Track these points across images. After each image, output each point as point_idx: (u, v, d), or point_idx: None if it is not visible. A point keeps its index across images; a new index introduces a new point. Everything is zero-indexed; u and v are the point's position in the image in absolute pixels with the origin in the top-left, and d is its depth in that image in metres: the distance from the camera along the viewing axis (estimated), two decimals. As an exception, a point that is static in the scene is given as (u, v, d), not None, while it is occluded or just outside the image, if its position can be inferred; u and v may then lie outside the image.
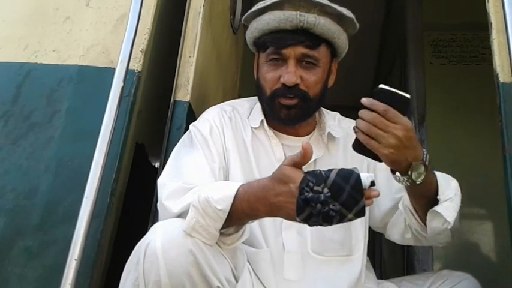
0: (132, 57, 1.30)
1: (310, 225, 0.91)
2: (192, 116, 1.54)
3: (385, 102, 0.96)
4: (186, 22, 1.61)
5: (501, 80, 1.21)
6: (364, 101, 0.97)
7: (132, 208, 1.46)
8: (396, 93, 0.97)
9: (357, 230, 1.25)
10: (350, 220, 0.89)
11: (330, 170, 0.90)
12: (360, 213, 0.89)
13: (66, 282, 1.06)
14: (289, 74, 1.19)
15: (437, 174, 1.12)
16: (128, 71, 1.27)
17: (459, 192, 1.14)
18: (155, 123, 1.61)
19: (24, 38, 1.45)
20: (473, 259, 2.47)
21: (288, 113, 1.22)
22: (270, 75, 1.23)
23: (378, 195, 0.91)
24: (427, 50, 2.84)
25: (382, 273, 3.10)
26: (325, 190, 0.87)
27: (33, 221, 1.22)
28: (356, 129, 0.99)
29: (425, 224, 1.15)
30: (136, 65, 1.37)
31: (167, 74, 1.59)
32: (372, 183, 0.89)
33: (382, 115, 0.96)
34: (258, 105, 1.32)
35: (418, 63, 2.78)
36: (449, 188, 1.12)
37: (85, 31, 1.44)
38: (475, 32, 2.78)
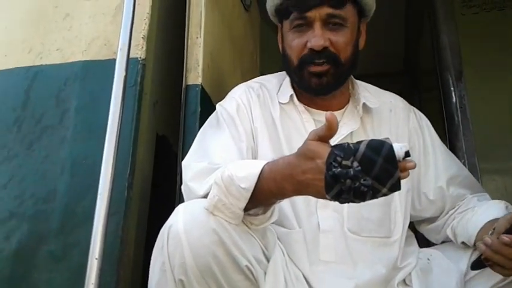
0: (133, 44, 1.25)
1: (341, 202, 0.83)
2: (206, 99, 1.48)
3: None
4: (189, 2, 1.55)
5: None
6: (506, 240, 0.94)
7: (161, 201, 1.42)
8: None
9: (396, 212, 1.17)
10: (385, 195, 0.81)
11: (359, 142, 0.82)
12: (395, 187, 0.80)
13: (89, 282, 1.02)
14: (316, 38, 1.12)
15: None
16: (130, 60, 1.22)
17: None
18: (175, 112, 1.56)
19: (28, 41, 1.44)
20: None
21: (320, 82, 1.14)
22: (296, 42, 1.16)
23: (414, 167, 0.82)
24: (456, 0, 2.65)
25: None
26: (355, 164, 0.79)
27: (54, 224, 1.21)
28: (484, 254, 0.99)
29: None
30: (139, 52, 1.33)
31: (179, 60, 1.53)
32: (407, 154, 0.80)
33: None
34: (287, 80, 1.25)
35: (449, 16, 2.60)
36: None
37: (85, 25, 1.41)
38: (506, -26, 2.57)
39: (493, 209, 1.12)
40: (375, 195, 0.80)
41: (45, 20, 1.45)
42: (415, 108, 1.34)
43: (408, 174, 0.82)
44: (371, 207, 1.12)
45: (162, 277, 0.92)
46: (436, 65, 2.56)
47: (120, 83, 1.18)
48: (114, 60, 1.25)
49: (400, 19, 3.45)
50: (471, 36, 2.52)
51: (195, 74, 1.46)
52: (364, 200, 0.81)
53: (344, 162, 0.80)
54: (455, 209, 1.23)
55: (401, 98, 1.34)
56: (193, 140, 1.18)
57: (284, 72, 1.26)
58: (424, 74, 3.27)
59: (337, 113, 1.18)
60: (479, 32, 2.53)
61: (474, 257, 1.09)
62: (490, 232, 0.99)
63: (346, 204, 1.11)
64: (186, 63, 1.49)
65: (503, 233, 0.93)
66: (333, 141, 0.86)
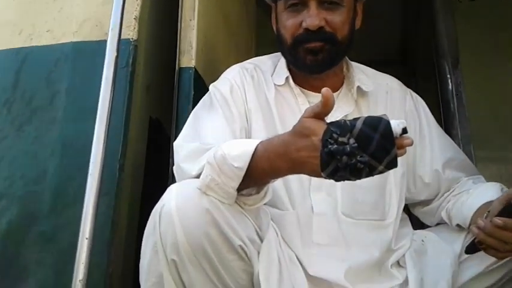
0: (125, 25, 1.24)
1: (337, 180, 0.81)
2: (200, 82, 1.47)
3: None
4: (183, -17, 1.53)
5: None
6: (498, 222, 0.92)
7: (155, 184, 1.42)
8: None
9: (391, 195, 1.16)
10: (381, 172, 0.79)
11: (356, 119, 0.80)
12: (392, 164, 0.78)
13: (79, 262, 1.01)
14: (312, 17, 1.09)
15: None
16: (122, 41, 1.21)
17: None
18: (169, 95, 1.55)
19: (18, 22, 1.42)
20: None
21: (315, 59, 1.12)
22: (291, 22, 1.13)
23: (411, 144, 0.80)
24: (453, -12, 2.63)
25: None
26: (352, 141, 0.77)
27: (44, 205, 1.20)
28: (478, 237, 0.97)
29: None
30: (131, 33, 1.31)
31: (173, 42, 1.52)
32: (404, 131, 0.79)
33: None
34: (283, 61, 1.23)
35: (446, 3, 2.59)
36: None
37: (76, 6, 1.39)
38: (504, -40, 2.54)
39: (488, 191, 1.12)
40: (371, 172, 0.79)
41: (36, 1, 1.44)
42: (411, 91, 1.32)
43: (405, 152, 0.81)
44: (365, 190, 1.12)
45: (154, 257, 0.91)
46: (433, 53, 2.55)
47: (111, 64, 1.16)
48: (106, 41, 1.24)
49: (397, 7, 3.43)
50: (468, 24, 2.50)
51: (188, 57, 1.45)
52: (360, 178, 0.80)
53: (340, 139, 0.78)
54: (450, 191, 1.22)
55: (398, 81, 1.33)
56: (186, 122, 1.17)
57: (279, 54, 1.24)
58: (421, 62, 3.26)
59: None
60: (476, 19, 2.52)
61: (469, 240, 1.08)
62: (485, 215, 0.98)
63: (339, 188, 1.11)
64: (179, 46, 1.47)
65: (497, 215, 0.92)
66: None
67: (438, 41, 2.51)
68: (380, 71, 1.34)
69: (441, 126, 1.87)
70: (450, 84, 2.37)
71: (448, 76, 2.40)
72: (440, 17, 2.55)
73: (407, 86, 1.34)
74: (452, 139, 2.19)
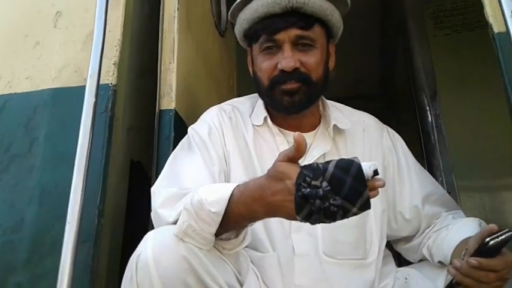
0: (104, 70, 1.25)
1: (312, 223, 0.82)
2: (180, 123, 1.47)
3: (494, 253, 0.91)
4: (162, 29, 1.56)
5: (495, 30, 1.10)
6: (474, 263, 0.91)
7: (137, 229, 1.39)
8: (505, 240, 0.89)
9: (372, 233, 1.16)
10: (355, 214, 0.80)
11: (328, 162, 0.81)
12: (365, 206, 0.80)
13: (57, 314, 0.99)
14: (287, 59, 1.12)
15: None
16: (101, 86, 1.22)
17: None
18: (150, 138, 1.55)
19: (-3, 69, 1.42)
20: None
21: (292, 100, 1.14)
22: (266, 64, 1.16)
23: (383, 185, 0.82)
24: (428, 22, 2.71)
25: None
26: (324, 184, 0.79)
27: (21, 255, 1.17)
28: (455, 278, 0.95)
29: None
30: (110, 78, 1.32)
31: (153, 85, 1.53)
32: (375, 172, 0.80)
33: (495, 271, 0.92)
34: (260, 102, 1.25)
35: (421, 37, 2.67)
36: None
37: (55, 53, 1.40)
38: (475, -4, 2.64)
39: (466, 227, 1.12)
40: (345, 214, 0.80)
41: (15, 48, 1.44)
42: (388, 127, 1.34)
43: (377, 193, 0.82)
44: (346, 229, 1.11)
45: None
46: (411, 86, 2.60)
47: (89, 109, 1.17)
48: (85, 87, 1.25)
49: (375, 43, 3.53)
50: (444, 57, 2.57)
51: (168, 99, 1.46)
52: (334, 220, 0.80)
53: (313, 183, 0.79)
54: (430, 227, 1.22)
55: (375, 118, 1.35)
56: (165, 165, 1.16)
57: (257, 95, 1.26)
58: (400, 95, 3.32)
59: (309, 135, 1.18)
60: (452, 52, 2.59)
61: (449, 279, 1.08)
62: (463, 253, 0.98)
63: (320, 228, 1.11)
64: (160, 89, 1.48)
65: (473, 255, 0.92)
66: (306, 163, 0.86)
67: (415, 74, 2.57)
68: (360, 105, 1.36)
69: (422, 158, 1.90)
70: (429, 116, 2.41)
71: (427, 108, 2.45)
72: (417, 51, 2.63)
73: (388, 119, 1.37)
74: (434, 170, 2.24)
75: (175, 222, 0.92)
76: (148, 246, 0.88)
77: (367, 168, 0.80)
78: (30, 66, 1.40)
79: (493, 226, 0.90)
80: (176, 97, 1.47)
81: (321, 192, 0.78)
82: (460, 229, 1.12)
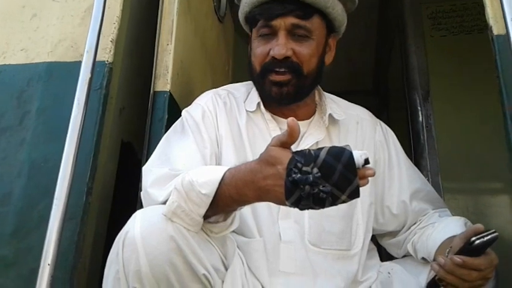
0: (100, 47, 1.24)
1: (301, 208, 0.82)
2: (174, 106, 1.47)
3: (478, 252, 0.91)
4: (161, 9, 1.55)
5: (495, 32, 1.10)
6: (458, 261, 0.91)
7: (124, 209, 1.39)
8: (490, 241, 0.90)
9: (358, 225, 1.17)
10: (344, 202, 0.81)
11: (320, 149, 0.81)
12: (354, 194, 0.80)
13: (40, 288, 0.98)
14: (279, 46, 1.12)
15: None
16: (97, 63, 1.21)
17: None
18: (142, 119, 1.54)
19: (-8, 40, 1.39)
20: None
21: (280, 91, 1.14)
22: (260, 50, 1.16)
23: (373, 174, 0.82)
24: (426, 23, 2.72)
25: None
26: (315, 170, 0.79)
27: (7, 228, 1.17)
28: (438, 274, 0.95)
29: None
30: (107, 55, 1.31)
31: (149, 66, 1.52)
32: (366, 161, 0.81)
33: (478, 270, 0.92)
34: (255, 89, 1.24)
35: (418, 37, 2.68)
36: None
37: (52, 26, 1.38)
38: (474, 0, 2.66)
39: (452, 226, 1.14)
40: (334, 202, 0.80)
41: (12, 19, 1.42)
42: (381, 122, 1.35)
43: (367, 182, 0.83)
44: (333, 219, 1.12)
45: (116, 285, 0.89)
46: (404, 85, 2.62)
47: (84, 85, 1.16)
48: (80, 62, 1.23)
49: (372, 39, 3.53)
50: (439, 58, 2.59)
51: (163, 81, 1.45)
52: (323, 207, 0.81)
53: (304, 168, 0.79)
54: (416, 224, 1.24)
55: (369, 112, 1.36)
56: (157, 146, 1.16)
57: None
58: (393, 94, 3.34)
59: (303, 123, 1.19)
60: (447, 54, 2.60)
61: (431, 275, 1.10)
62: (448, 250, 0.99)
63: (307, 217, 1.11)
64: (155, 70, 1.47)
65: (457, 253, 0.93)
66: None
67: (410, 74, 2.58)
68: (352, 101, 1.37)
69: (411, 157, 1.91)
70: (420, 116, 2.43)
71: (419, 108, 2.47)
72: (413, 50, 2.64)
73: (379, 116, 1.37)
74: (421, 170, 2.26)
75: (164, 202, 0.92)
76: (137, 224, 0.88)
77: (358, 156, 0.80)
78: (26, 38, 1.38)
79: (479, 226, 0.91)
80: (172, 79, 1.46)
81: (311, 178, 0.79)
82: (445, 227, 1.13)
